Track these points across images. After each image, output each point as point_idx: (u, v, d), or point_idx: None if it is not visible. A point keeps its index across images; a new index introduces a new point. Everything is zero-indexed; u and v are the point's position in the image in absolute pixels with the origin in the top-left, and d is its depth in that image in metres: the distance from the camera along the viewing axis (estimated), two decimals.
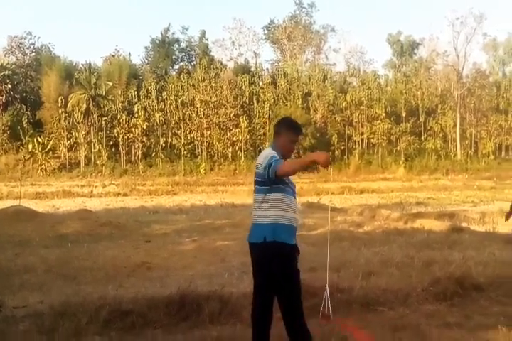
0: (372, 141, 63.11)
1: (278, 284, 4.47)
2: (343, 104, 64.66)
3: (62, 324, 5.74)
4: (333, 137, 61.67)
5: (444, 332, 5.14)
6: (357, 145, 63.37)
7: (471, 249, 12.36)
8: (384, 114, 63.05)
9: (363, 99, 64.67)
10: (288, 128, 4.68)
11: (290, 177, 4.64)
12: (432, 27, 76.27)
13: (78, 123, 60.52)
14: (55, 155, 58.21)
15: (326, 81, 70.08)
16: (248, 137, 60.91)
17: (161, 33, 75.55)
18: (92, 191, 35.59)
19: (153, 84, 66.16)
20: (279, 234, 4.41)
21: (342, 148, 62.18)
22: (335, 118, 63.77)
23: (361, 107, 63.87)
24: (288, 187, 4.56)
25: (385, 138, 62.55)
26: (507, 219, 13.67)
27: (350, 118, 63.96)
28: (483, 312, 6.27)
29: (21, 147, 55.57)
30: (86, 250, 13.14)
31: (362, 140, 63.42)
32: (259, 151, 59.88)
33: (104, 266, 10.99)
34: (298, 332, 4.44)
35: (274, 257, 4.43)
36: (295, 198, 4.65)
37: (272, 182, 4.44)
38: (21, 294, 8.46)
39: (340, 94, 66.34)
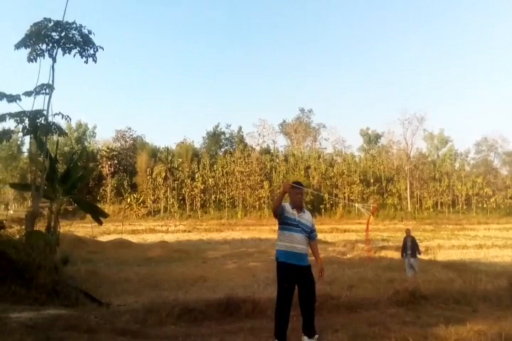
0: (351, 198, 62.55)
1: (311, 291, 4.49)
2: (332, 174, 64.42)
3: (150, 316, 5.75)
4: (325, 195, 61.41)
5: (403, 328, 5.03)
6: (341, 201, 62.78)
7: (420, 271, 12.11)
8: (358, 181, 62.63)
9: (344, 170, 64.35)
10: (292, 187, 4.70)
11: (307, 222, 4.67)
12: (390, 124, 78.00)
13: (159, 185, 61.39)
14: (145, 205, 58.67)
15: (320, 159, 70.18)
16: (269, 195, 60.87)
17: (213, 128, 77.00)
18: (168, 229, 35.68)
19: (208, 160, 66.98)
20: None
21: (331, 202, 61.66)
22: (326, 183, 63.44)
23: (343, 176, 63.47)
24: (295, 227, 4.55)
25: (359, 196, 61.86)
26: (401, 255, 13.23)
27: (336, 183, 63.51)
28: (428, 314, 6.15)
29: (123, 200, 56.23)
30: (164, 268, 13.18)
31: (344, 197, 62.82)
32: None
33: (176, 279, 11.01)
34: (312, 326, 4.42)
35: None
36: (301, 234, 4.57)
37: (279, 221, 4.58)
38: (123, 296, 8.50)
39: (330, 168, 66.19)
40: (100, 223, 10.82)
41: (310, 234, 4.69)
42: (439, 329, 4.63)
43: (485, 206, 63.56)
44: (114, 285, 10.04)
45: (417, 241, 13.80)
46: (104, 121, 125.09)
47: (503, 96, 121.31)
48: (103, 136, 77.37)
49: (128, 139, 74.75)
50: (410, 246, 12.85)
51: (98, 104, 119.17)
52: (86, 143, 73.75)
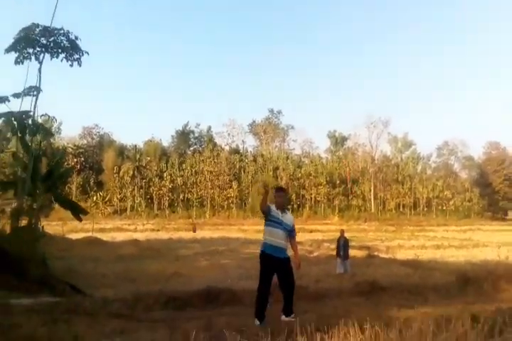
0: (317, 199, 63.86)
1: (289, 279, 5.22)
2: (299, 175, 65.74)
3: (139, 304, 6.31)
4: (293, 196, 62.52)
5: (363, 312, 5.78)
6: (307, 202, 64.05)
7: (379, 267, 13.04)
8: (325, 182, 64.08)
9: (311, 172, 65.77)
10: (274, 191, 5.55)
11: (288, 221, 5.37)
12: (356, 127, 79.60)
13: (126, 183, 61.19)
14: (111, 204, 58.11)
15: (288, 160, 71.35)
16: (237, 195, 61.61)
17: (182, 127, 77.00)
18: (135, 228, 35.69)
19: (176, 159, 67.13)
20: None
21: (298, 203, 62.81)
22: (294, 183, 64.64)
23: (310, 177, 64.85)
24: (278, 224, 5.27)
25: (325, 197, 63.35)
26: (337, 254, 13.53)
27: (304, 184, 64.81)
28: (385, 302, 6.83)
29: (88, 198, 55.55)
30: (138, 265, 13.58)
31: (311, 198, 64.14)
32: (245, 204, 60.71)
33: (151, 274, 11.48)
34: (290, 307, 5.19)
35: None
36: (282, 230, 5.27)
37: (265, 218, 5.30)
38: (102, 290, 8.93)
39: (297, 169, 67.51)
40: (80, 220, 11.27)
41: (290, 233, 5.39)
42: (392, 311, 5.41)
43: (444, 208, 66.23)
44: (91, 280, 10.43)
45: (350, 243, 13.91)
46: (70, 118, 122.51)
47: (466, 102, 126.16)
48: (68, 134, 75.70)
49: (95, 136, 73.87)
50: (342, 247, 13.30)
51: (64, 100, 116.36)
52: (51, 140, 72.24)
